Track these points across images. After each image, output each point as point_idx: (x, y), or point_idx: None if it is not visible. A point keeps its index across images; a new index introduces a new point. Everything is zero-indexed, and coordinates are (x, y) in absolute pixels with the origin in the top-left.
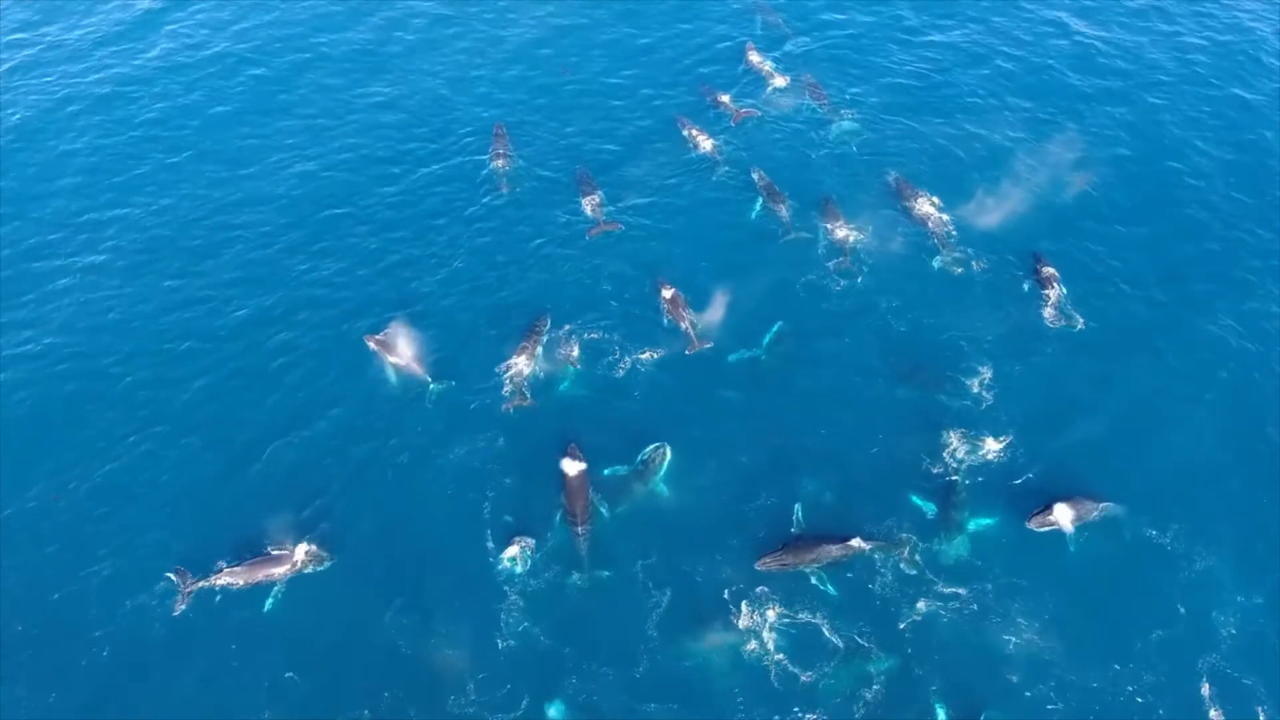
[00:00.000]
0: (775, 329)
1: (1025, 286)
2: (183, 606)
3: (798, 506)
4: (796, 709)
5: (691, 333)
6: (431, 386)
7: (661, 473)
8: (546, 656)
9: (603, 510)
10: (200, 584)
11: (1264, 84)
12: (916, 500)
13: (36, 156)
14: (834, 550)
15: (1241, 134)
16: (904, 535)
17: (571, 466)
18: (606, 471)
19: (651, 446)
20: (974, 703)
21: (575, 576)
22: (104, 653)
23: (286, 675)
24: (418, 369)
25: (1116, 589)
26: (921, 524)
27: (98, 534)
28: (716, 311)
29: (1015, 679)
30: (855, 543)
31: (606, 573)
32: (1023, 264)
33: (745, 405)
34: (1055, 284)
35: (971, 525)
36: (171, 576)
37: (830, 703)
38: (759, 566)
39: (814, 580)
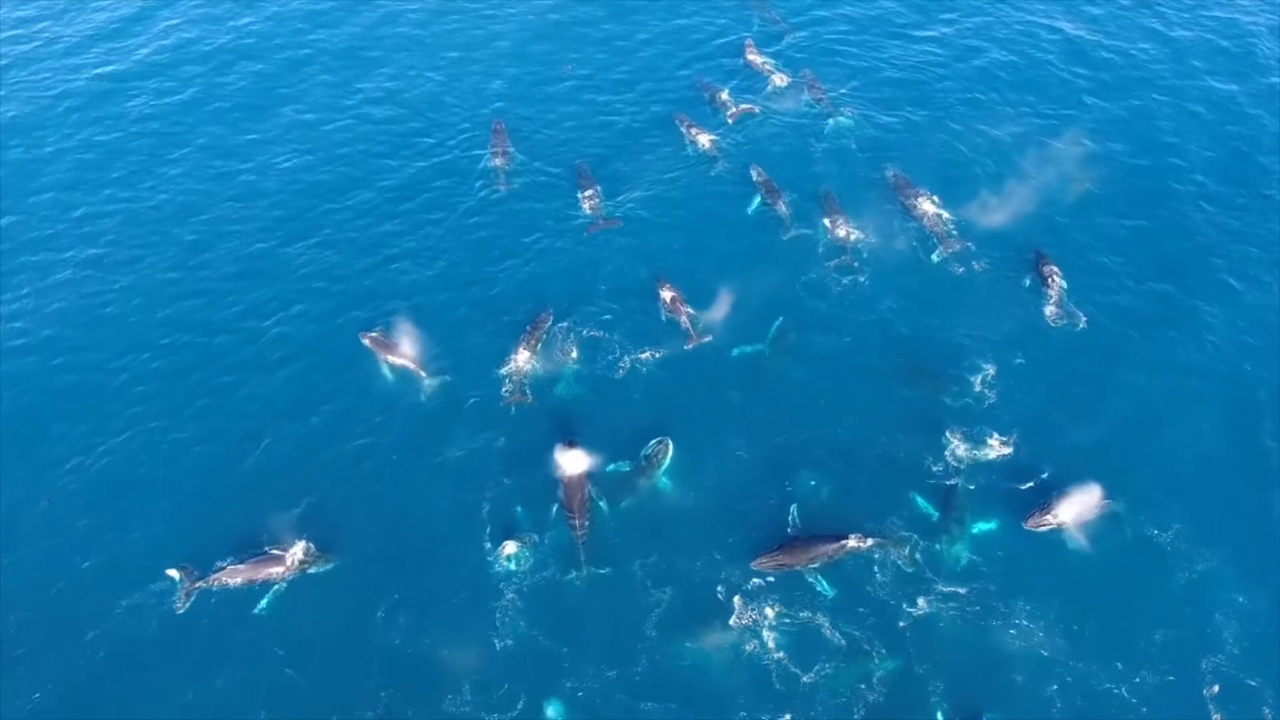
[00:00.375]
0: (777, 324)
1: (1026, 283)
2: (185, 604)
3: (794, 507)
4: (796, 709)
5: (690, 328)
6: (427, 382)
7: (664, 467)
8: (544, 656)
9: (602, 505)
10: (202, 583)
11: (1261, 79)
12: (919, 500)
13: (33, 151)
14: (830, 550)
15: (1240, 129)
16: (903, 534)
17: (569, 462)
18: (610, 468)
19: (654, 441)
20: (975, 703)
21: (573, 574)
22: (100, 652)
23: (285, 674)
24: (414, 365)
25: (1118, 588)
26: (923, 523)
27: (93, 529)
28: (716, 308)
29: (1017, 679)
30: (851, 541)
31: (605, 570)
32: (1023, 261)
33: (746, 403)
34: (1056, 281)
35: (973, 524)
36: (174, 574)
37: (830, 703)
38: (755, 566)
39: (811, 580)
